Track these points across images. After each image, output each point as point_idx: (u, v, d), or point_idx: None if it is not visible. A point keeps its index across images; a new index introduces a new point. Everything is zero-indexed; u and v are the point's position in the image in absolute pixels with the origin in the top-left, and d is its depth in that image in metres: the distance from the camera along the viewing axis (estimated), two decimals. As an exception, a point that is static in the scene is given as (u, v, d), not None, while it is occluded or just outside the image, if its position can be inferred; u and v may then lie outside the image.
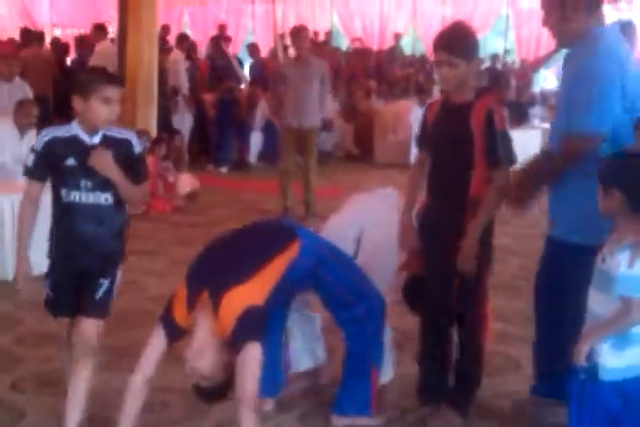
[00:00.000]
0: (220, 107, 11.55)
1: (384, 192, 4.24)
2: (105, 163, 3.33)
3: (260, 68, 13.56)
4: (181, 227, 7.67)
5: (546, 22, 3.67)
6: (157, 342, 3.28)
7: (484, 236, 3.56)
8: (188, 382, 3.28)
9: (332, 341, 4.10)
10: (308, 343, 4.05)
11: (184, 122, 11.42)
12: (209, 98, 12.01)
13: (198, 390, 3.28)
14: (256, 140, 11.71)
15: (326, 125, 9.22)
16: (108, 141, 3.39)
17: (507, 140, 3.57)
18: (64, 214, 3.41)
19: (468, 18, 15.73)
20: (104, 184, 3.37)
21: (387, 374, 4.06)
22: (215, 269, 3.31)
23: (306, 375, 4.13)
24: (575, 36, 3.55)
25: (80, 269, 3.45)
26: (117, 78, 3.76)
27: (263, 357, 3.48)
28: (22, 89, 9.00)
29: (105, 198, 3.40)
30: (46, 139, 3.37)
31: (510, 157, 3.60)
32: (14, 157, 6.98)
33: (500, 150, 3.52)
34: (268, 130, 11.29)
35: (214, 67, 12.96)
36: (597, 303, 2.84)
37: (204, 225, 7.47)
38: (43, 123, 7.48)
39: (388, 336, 3.99)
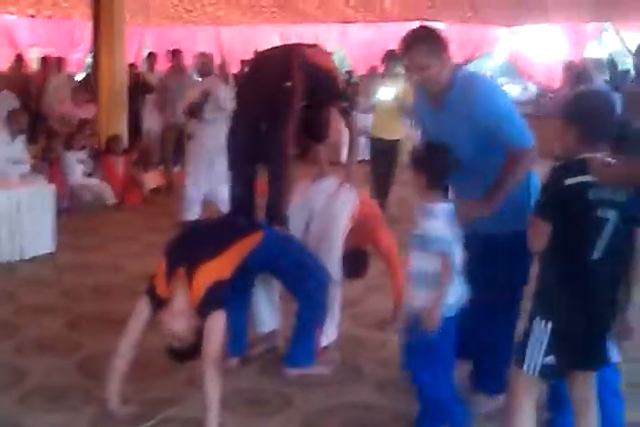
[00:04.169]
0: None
1: (326, 181, 4.26)
2: None
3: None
4: (151, 216, 7.66)
5: (423, 75, 3.25)
6: (142, 311, 3.30)
7: None
8: (165, 343, 3.29)
9: (285, 308, 4.15)
10: (269, 309, 4.11)
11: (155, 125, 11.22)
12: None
13: (171, 351, 3.30)
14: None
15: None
16: None
17: None
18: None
19: (386, 40, 15.89)
20: None
21: (333, 335, 4.17)
22: (189, 250, 3.35)
23: (266, 338, 4.18)
24: (443, 83, 3.24)
25: None
26: None
27: (230, 322, 3.57)
28: (8, 100, 8.90)
29: None
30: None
31: None
32: (6, 159, 6.89)
33: None
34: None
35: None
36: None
37: (170, 215, 7.47)
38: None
39: (336, 304, 4.10)
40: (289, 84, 3.88)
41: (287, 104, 3.89)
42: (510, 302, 3.41)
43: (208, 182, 7.13)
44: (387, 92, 7.53)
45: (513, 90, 16.41)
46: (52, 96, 10.53)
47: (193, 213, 7.12)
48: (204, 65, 7.44)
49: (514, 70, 16.26)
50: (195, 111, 7.14)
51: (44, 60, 12.16)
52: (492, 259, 3.32)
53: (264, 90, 3.94)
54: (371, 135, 7.82)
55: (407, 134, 7.87)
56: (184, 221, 6.99)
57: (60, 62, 11.62)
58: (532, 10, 12.11)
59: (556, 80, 13.60)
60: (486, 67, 20.25)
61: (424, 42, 3.22)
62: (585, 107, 2.72)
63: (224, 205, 6.75)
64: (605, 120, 2.67)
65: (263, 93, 3.94)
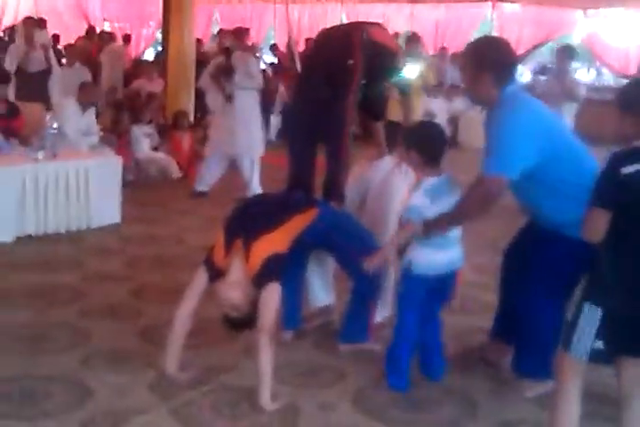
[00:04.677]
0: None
1: (383, 161, 4.31)
2: None
3: (280, 63, 13.71)
4: (212, 191, 7.81)
5: (463, 81, 3.53)
6: (200, 280, 3.44)
7: None
8: (222, 312, 3.41)
9: (338, 285, 4.25)
10: (324, 284, 4.22)
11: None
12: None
13: (228, 321, 3.42)
14: (275, 122, 11.84)
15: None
16: None
17: None
18: None
19: (457, 20, 15.73)
20: None
21: (386, 311, 4.25)
22: (248, 222, 3.45)
23: (320, 313, 4.28)
24: (487, 99, 3.34)
25: None
26: None
27: (285, 295, 3.68)
28: (80, 73, 9.18)
29: None
30: None
31: None
32: (76, 130, 7.14)
33: None
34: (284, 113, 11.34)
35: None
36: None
37: (231, 190, 7.62)
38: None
39: (390, 281, 4.18)
40: (351, 62, 3.95)
41: (348, 82, 3.95)
42: (562, 290, 3.43)
43: (233, 149, 7.49)
44: (411, 71, 7.65)
45: (586, 75, 16.11)
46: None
47: (206, 183, 7.61)
48: (225, 41, 7.60)
49: (588, 55, 15.92)
50: (226, 73, 7.34)
51: (99, 35, 12.53)
52: (552, 253, 3.36)
53: (327, 67, 4.01)
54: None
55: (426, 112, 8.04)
56: (199, 191, 7.54)
57: (108, 36, 11.90)
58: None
59: (632, 66, 13.31)
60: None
61: (469, 57, 3.36)
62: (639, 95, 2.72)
63: (247, 174, 7.49)
64: None
65: (326, 71, 4.01)
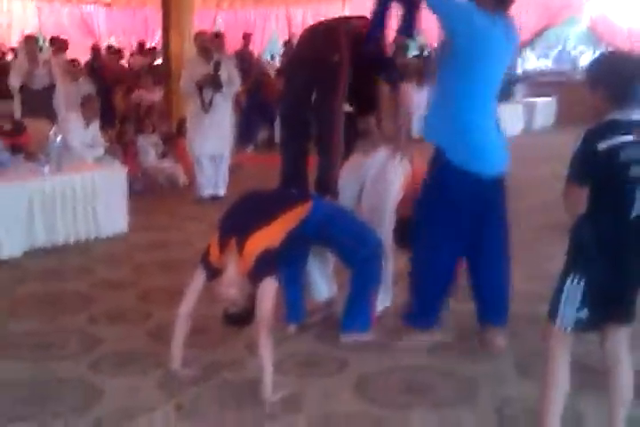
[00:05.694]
0: (251, 94, 11.70)
1: (378, 154, 4.36)
2: None
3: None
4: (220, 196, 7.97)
5: None
6: (198, 280, 3.58)
7: None
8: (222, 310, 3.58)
9: (340, 279, 4.35)
10: (325, 278, 4.32)
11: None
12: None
13: (227, 317, 3.57)
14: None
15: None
16: None
17: None
18: None
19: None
20: None
21: (386, 301, 4.36)
22: (240, 220, 3.60)
23: (323, 306, 4.39)
24: None
25: None
26: None
27: (286, 290, 3.81)
28: (86, 86, 9.38)
29: None
30: None
31: None
32: (81, 143, 7.32)
33: None
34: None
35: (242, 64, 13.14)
36: None
37: (239, 194, 7.72)
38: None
39: (389, 271, 4.29)
40: (337, 58, 4.06)
41: (335, 77, 4.07)
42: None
43: (218, 148, 7.86)
44: None
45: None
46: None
47: (208, 186, 7.86)
48: (203, 42, 7.73)
49: (594, 37, 15.89)
50: (215, 85, 7.54)
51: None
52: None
53: (312, 66, 4.13)
54: None
55: None
56: (203, 196, 7.80)
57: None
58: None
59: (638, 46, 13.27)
60: (567, 33, 19.79)
61: None
62: (606, 69, 2.81)
63: (225, 171, 7.93)
64: (630, 80, 2.75)
65: (311, 69, 4.13)
